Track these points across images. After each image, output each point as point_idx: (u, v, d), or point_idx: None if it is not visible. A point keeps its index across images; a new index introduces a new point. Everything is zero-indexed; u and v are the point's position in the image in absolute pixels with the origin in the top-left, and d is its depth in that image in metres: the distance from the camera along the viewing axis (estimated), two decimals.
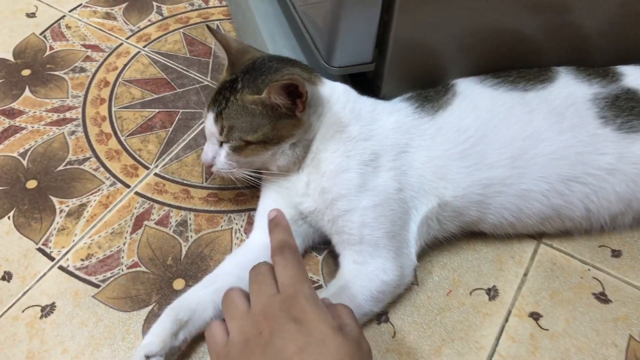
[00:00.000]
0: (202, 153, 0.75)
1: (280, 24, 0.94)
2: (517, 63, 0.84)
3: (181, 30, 1.10)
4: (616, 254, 0.78)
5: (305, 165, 0.73)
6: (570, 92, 0.78)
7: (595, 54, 0.87)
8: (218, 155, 0.73)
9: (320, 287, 0.75)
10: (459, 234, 0.77)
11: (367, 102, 0.76)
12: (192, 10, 1.14)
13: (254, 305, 0.56)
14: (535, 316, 0.72)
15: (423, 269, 0.76)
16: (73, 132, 0.92)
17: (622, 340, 0.70)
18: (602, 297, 0.74)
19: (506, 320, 0.72)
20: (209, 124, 0.72)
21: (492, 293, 0.74)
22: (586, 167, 0.73)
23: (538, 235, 0.80)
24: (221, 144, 0.72)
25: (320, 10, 0.76)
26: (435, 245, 0.77)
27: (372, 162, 0.71)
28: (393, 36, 0.76)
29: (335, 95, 0.74)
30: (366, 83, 0.86)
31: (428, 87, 0.82)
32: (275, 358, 0.50)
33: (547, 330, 0.71)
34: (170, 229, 0.80)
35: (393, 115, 0.75)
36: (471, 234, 0.79)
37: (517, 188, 0.73)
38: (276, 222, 0.63)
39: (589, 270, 0.77)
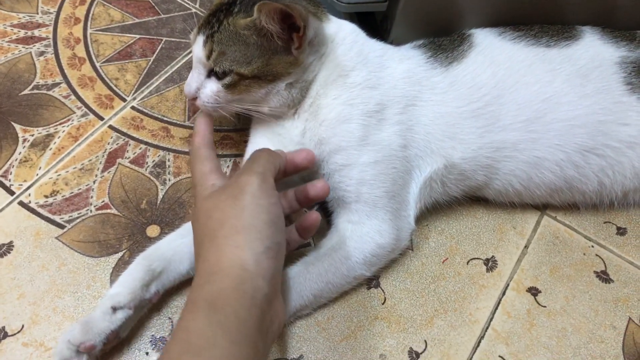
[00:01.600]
0: (184, 84, 0.66)
1: None
2: (538, 18, 0.76)
3: None
4: (621, 231, 0.74)
5: (302, 111, 0.65)
6: (596, 52, 0.71)
7: (620, 16, 0.80)
8: (203, 87, 0.64)
9: (308, 244, 0.69)
10: (460, 199, 0.72)
11: (376, 46, 0.68)
12: None
13: None
14: (533, 291, 0.68)
15: (419, 234, 0.71)
16: (42, 53, 0.82)
17: (621, 322, 0.66)
18: (604, 276, 0.70)
19: (503, 293, 0.68)
20: (198, 48, 0.63)
21: (490, 264, 0.70)
22: (606, 137, 0.68)
23: (542, 206, 0.75)
24: (209, 74, 0.63)
25: None
26: (434, 209, 0.72)
27: (377, 113, 0.64)
28: None
29: (342, 34, 0.66)
30: (374, 25, 0.78)
31: (441, 34, 0.74)
32: None
33: (545, 307, 0.67)
34: (146, 169, 0.72)
35: (403, 62, 0.68)
36: (472, 200, 0.74)
37: (529, 154, 0.68)
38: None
39: (592, 247, 0.72)
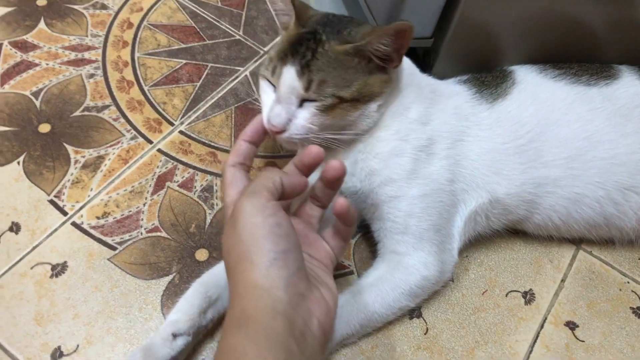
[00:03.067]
0: (269, 116, 0.61)
1: None
2: (575, 56, 0.78)
3: None
4: None
5: (358, 141, 0.66)
6: (635, 92, 0.73)
7: None
8: (294, 117, 0.61)
9: (351, 272, 0.70)
10: (500, 231, 0.73)
11: (428, 82, 0.70)
12: None
13: None
14: (571, 326, 0.69)
15: (459, 265, 0.72)
16: (92, 75, 0.84)
17: None
18: None
19: (541, 326, 0.69)
20: (289, 79, 0.60)
21: (528, 297, 0.71)
22: None
23: (578, 240, 0.76)
24: (301, 104, 0.61)
25: None
26: (474, 241, 0.73)
27: (427, 148, 0.66)
28: (460, 12, 0.70)
29: (401, 67, 0.67)
30: (415, 58, 0.80)
31: (481, 70, 0.76)
32: None
33: (583, 341, 0.68)
34: (194, 193, 0.74)
35: (453, 98, 0.70)
36: (510, 232, 0.75)
37: (570, 191, 0.69)
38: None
39: (628, 282, 0.74)
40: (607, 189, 0.69)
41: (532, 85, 0.73)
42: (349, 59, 0.61)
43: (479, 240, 0.73)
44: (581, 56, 0.79)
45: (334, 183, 0.57)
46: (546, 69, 0.75)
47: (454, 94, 0.70)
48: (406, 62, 0.68)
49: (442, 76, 0.77)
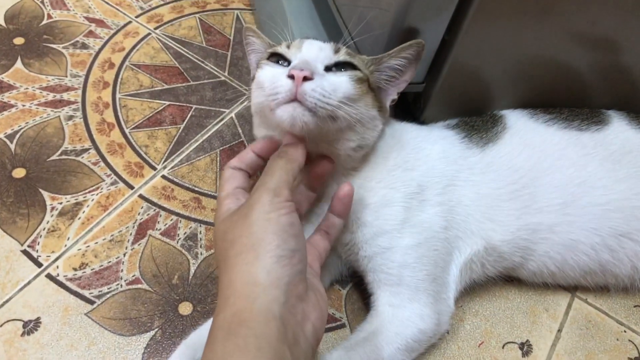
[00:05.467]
0: (295, 64, 0.56)
1: (314, 25, 0.86)
2: (565, 101, 0.78)
3: (197, 15, 0.99)
4: None
5: None
6: (626, 138, 0.73)
7: None
8: (322, 76, 0.56)
9: (342, 325, 0.67)
10: (494, 279, 0.71)
11: (409, 127, 0.70)
12: None
13: None
14: None
15: (454, 316, 0.70)
16: (71, 117, 0.81)
17: None
18: None
19: None
20: (316, 45, 0.60)
21: (525, 348, 0.69)
22: None
23: (572, 288, 0.75)
24: (327, 70, 0.58)
25: (378, 20, 0.69)
26: (468, 290, 0.71)
27: (418, 194, 0.64)
28: (452, 58, 0.69)
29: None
30: (404, 104, 0.79)
31: (472, 114, 0.76)
32: None
33: None
34: (177, 242, 0.70)
35: (438, 143, 0.69)
36: (504, 280, 0.73)
37: (565, 237, 0.68)
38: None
39: (625, 332, 0.72)
40: (603, 235, 0.68)
41: (523, 129, 0.73)
42: (368, 64, 0.62)
43: (474, 289, 0.71)
44: (571, 101, 0.79)
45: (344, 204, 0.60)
46: (537, 114, 0.75)
47: (439, 139, 0.70)
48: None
49: (432, 120, 0.76)
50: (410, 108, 0.79)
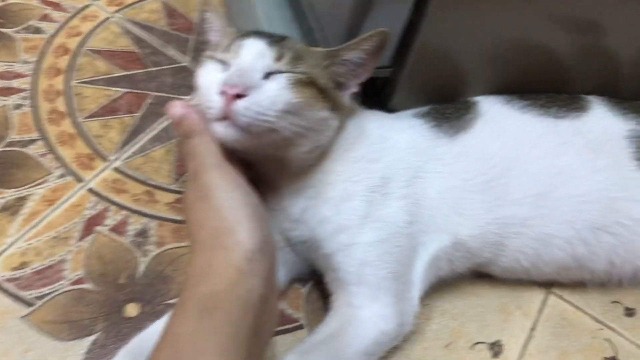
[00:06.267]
0: (227, 77, 0.51)
1: (280, 8, 0.81)
2: (544, 86, 0.74)
3: None
4: (629, 312, 0.70)
5: (307, 186, 0.60)
6: (605, 125, 0.69)
7: (625, 87, 0.78)
8: (259, 87, 0.52)
9: (300, 326, 0.63)
10: (465, 275, 0.67)
11: (375, 117, 0.66)
12: None
13: None
14: None
15: (421, 315, 0.65)
16: (19, 106, 0.76)
17: None
18: None
19: None
20: (256, 48, 0.54)
21: (495, 348, 0.65)
22: (618, 215, 0.65)
23: (547, 284, 0.71)
24: (266, 76, 0.53)
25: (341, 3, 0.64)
26: (437, 288, 0.67)
27: (381, 187, 0.60)
28: (419, 39, 0.64)
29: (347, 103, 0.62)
30: (374, 90, 0.75)
31: (444, 101, 0.71)
32: None
33: None
34: (127, 238, 0.66)
35: (405, 133, 0.65)
36: (476, 276, 0.69)
37: (538, 231, 0.64)
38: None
39: (601, 329, 0.68)
40: (578, 229, 0.64)
41: (497, 117, 0.68)
42: (321, 59, 0.58)
43: (442, 286, 0.67)
44: (550, 87, 0.74)
45: None
46: (513, 100, 0.71)
47: (406, 128, 0.65)
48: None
49: (402, 108, 0.72)
50: (378, 95, 0.75)
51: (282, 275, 0.64)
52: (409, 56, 0.66)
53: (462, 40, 0.67)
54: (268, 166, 0.60)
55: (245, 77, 0.51)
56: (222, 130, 0.51)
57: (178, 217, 0.69)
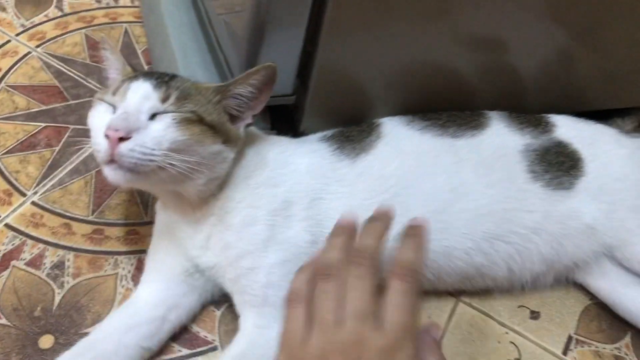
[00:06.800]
0: (110, 121, 0.52)
1: (195, 36, 0.84)
2: (449, 104, 0.78)
3: (83, 30, 0.96)
4: (535, 315, 0.74)
5: (209, 214, 0.63)
6: (501, 142, 0.74)
7: (528, 100, 0.83)
8: (144, 128, 0.54)
9: (214, 348, 0.66)
10: None
11: (277, 143, 0.68)
12: (98, 9, 1.01)
13: (347, 316, 0.46)
14: None
15: None
16: None
17: None
18: None
19: None
20: (142, 90, 0.55)
21: None
22: (512, 225, 0.69)
23: (457, 293, 0.75)
24: (153, 117, 0.55)
25: (237, 33, 0.67)
26: None
27: (283, 210, 0.63)
28: (316, 68, 0.68)
29: (247, 132, 0.65)
30: (286, 115, 0.78)
31: (353, 123, 0.75)
32: None
33: None
34: (43, 271, 0.68)
35: (307, 156, 0.68)
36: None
37: (439, 244, 0.68)
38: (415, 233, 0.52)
39: (507, 333, 0.72)
40: (475, 240, 0.68)
41: (397, 138, 0.72)
42: (212, 95, 0.60)
43: None
44: (456, 104, 0.78)
45: None
46: (414, 121, 0.74)
47: (309, 152, 0.68)
48: (251, 129, 0.65)
49: (313, 131, 0.75)
50: (290, 120, 0.78)
51: (194, 301, 0.66)
52: (310, 82, 0.69)
53: (361, 64, 0.70)
54: (169, 198, 0.62)
55: (128, 120, 0.53)
56: (110, 173, 0.54)
57: (95, 248, 0.71)
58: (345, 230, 0.53)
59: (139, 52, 0.94)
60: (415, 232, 0.53)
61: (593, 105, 0.89)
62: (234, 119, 0.62)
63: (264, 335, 0.61)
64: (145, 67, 0.92)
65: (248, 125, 0.63)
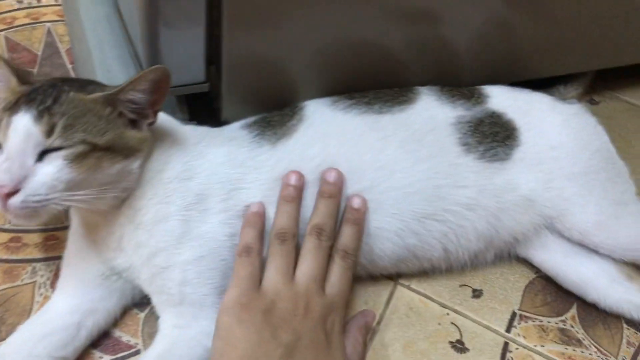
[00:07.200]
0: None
1: (112, 30, 0.80)
2: (380, 82, 0.76)
3: (3, 33, 0.92)
4: (477, 293, 0.72)
5: (120, 214, 0.60)
6: (430, 115, 0.71)
7: (463, 73, 0.81)
8: (32, 175, 0.51)
9: (137, 352, 0.63)
10: None
11: (193, 133, 0.65)
12: (19, 9, 0.97)
13: (302, 274, 0.58)
14: None
15: None
16: None
17: None
18: (459, 346, 0.67)
19: None
20: (23, 126, 0.51)
21: None
22: (444, 202, 0.66)
23: (395, 276, 0.72)
24: (41, 156, 0.52)
25: (136, 22, 0.64)
26: None
27: (198, 204, 0.60)
28: (226, 52, 0.65)
29: (157, 125, 0.62)
30: (208, 104, 0.75)
31: (278, 108, 0.72)
32: (291, 352, 0.52)
33: None
34: None
35: (224, 146, 0.65)
36: None
37: (368, 226, 0.65)
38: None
39: (448, 314, 0.70)
40: (405, 220, 0.66)
41: (320, 119, 0.69)
42: (101, 108, 0.55)
43: None
44: (387, 82, 0.76)
45: None
46: (338, 101, 0.72)
47: (227, 141, 0.65)
48: (160, 118, 0.62)
49: (236, 119, 0.72)
50: (213, 109, 0.75)
51: (113, 304, 0.63)
52: (222, 68, 0.67)
53: (273, 44, 0.67)
54: (80, 210, 0.60)
55: (12, 172, 0.50)
56: (12, 219, 0.52)
57: (12, 257, 0.68)
58: (295, 199, 0.61)
59: (62, 51, 0.90)
60: (355, 218, 0.63)
61: (535, 74, 0.87)
62: (133, 123, 0.58)
63: (183, 336, 0.58)
64: (69, 67, 0.88)
65: (150, 124, 0.59)
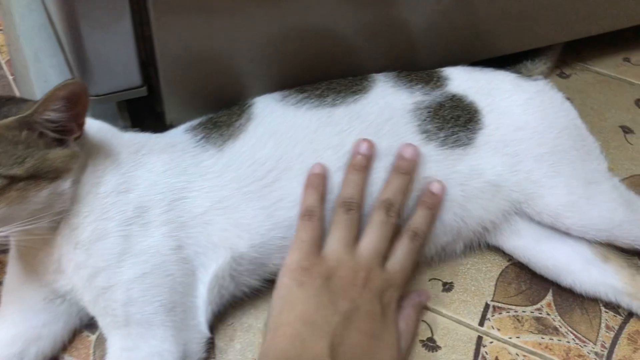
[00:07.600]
0: None
1: (49, 38, 0.76)
2: (334, 72, 0.72)
3: None
4: (447, 287, 0.69)
5: (57, 234, 0.56)
6: (386, 103, 0.67)
7: (421, 56, 0.77)
8: None
9: None
10: (264, 286, 0.64)
11: (132, 141, 0.61)
12: None
13: (365, 246, 0.58)
14: None
15: (223, 336, 0.63)
16: None
17: None
18: (430, 344, 0.64)
19: None
20: None
21: None
22: (407, 197, 0.63)
23: None
24: None
25: (61, 29, 0.60)
26: (238, 305, 0.64)
27: (138, 218, 0.57)
28: (159, 49, 0.61)
29: (90, 133, 0.58)
30: (151, 109, 0.71)
31: (227, 107, 0.68)
32: (348, 321, 0.53)
33: None
34: None
35: (165, 153, 0.61)
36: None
37: (328, 227, 0.61)
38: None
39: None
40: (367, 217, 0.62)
41: (269, 117, 0.66)
42: (15, 134, 0.51)
43: (245, 302, 0.64)
44: (341, 71, 0.72)
45: None
46: (289, 95, 0.68)
47: (168, 147, 0.62)
48: (95, 127, 0.58)
49: (182, 122, 0.68)
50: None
51: (59, 329, 0.59)
52: (158, 70, 0.63)
53: (209, 38, 0.63)
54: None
55: None
56: None
57: None
58: (364, 168, 0.61)
59: (3, 62, 0.86)
60: (431, 202, 0.62)
61: (499, 51, 0.83)
62: (60, 141, 0.54)
63: (131, 358, 0.55)
64: (10, 78, 0.84)
65: (76, 138, 0.55)
